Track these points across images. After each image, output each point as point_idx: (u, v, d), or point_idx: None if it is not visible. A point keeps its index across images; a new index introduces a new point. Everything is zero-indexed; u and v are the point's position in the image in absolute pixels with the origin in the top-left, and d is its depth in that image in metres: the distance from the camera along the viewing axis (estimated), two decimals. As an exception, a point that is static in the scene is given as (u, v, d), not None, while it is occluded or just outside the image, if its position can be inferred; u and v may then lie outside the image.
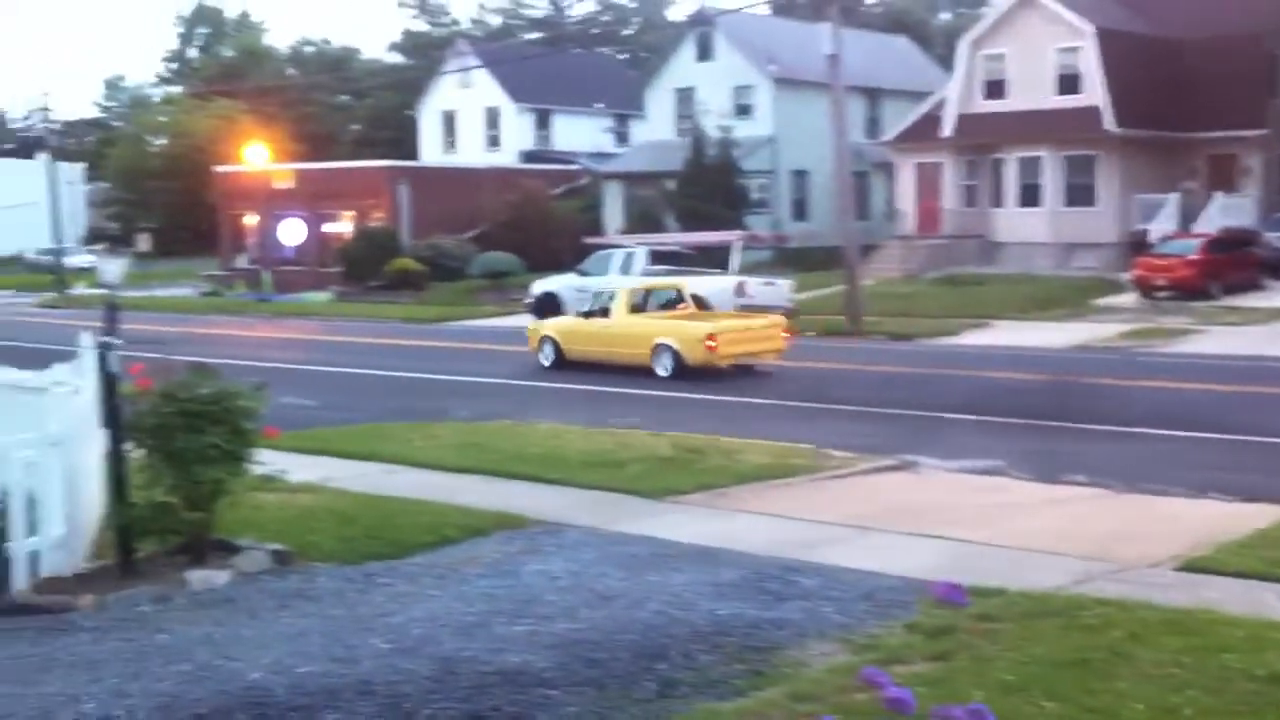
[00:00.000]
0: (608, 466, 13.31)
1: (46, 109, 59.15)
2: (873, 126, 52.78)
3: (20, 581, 9.25)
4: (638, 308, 24.73)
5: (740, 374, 22.83)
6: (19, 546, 9.32)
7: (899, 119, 49.40)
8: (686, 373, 22.36)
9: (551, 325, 25.82)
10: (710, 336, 22.41)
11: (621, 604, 8.35)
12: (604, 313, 24.62)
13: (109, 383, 9.73)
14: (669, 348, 22.80)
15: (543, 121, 66.61)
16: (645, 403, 19.56)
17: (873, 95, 53.47)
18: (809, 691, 6.61)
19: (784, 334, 23.61)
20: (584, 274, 34.60)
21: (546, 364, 24.86)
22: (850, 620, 7.92)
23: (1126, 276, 36.69)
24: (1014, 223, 43.81)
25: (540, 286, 35.64)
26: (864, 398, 19.66)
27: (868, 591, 8.57)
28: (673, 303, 25.39)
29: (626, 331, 23.84)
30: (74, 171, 75.27)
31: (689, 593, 8.55)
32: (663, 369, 22.77)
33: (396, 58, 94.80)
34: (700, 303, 27.05)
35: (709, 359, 22.42)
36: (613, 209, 52.89)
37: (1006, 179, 44.12)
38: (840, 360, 25.52)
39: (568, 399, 20.09)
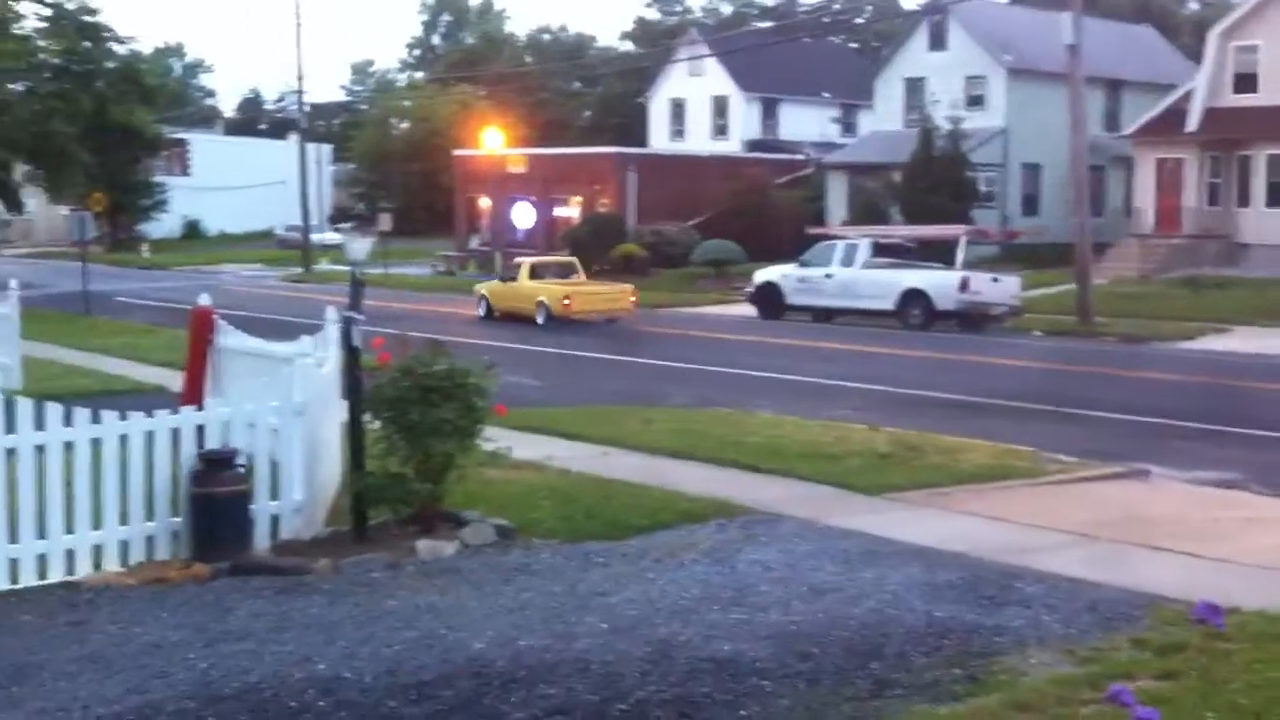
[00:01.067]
0: (824, 459, 13.23)
1: (301, 92, 61.75)
2: (1111, 119, 50.89)
3: (262, 542, 9.77)
4: (536, 275, 32.88)
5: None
6: (262, 509, 9.85)
7: (1140, 112, 47.45)
8: (555, 322, 30.32)
9: (485, 286, 34.82)
10: (566, 297, 31.16)
11: (836, 599, 8.32)
12: (514, 278, 33.11)
13: (351, 356, 10.16)
14: (543, 303, 31.33)
15: (769, 110, 66.45)
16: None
17: (1112, 87, 51.57)
18: (1028, 701, 6.47)
19: (632, 299, 32.03)
20: (805, 264, 34.42)
21: (481, 314, 33.39)
22: (1072, 631, 7.71)
23: (1385, 284, 34.54)
24: (1262, 223, 41.64)
25: (761, 276, 35.60)
26: (1090, 400, 19.00)
27: (1091, 602, 8.32)
28: (567, 273, 33.66)
29: (523, 291, 32.37)
30: (322, 152, 78.70)
31: (905, 592, 8.46)
32: (541, 318, 31.25)
33: (628, 46, 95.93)
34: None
35: (566, 312, 30.90)
36: (836, 200, 52.40)
37: (1255, 177, 41.97)
38: (1067, 361, 24.76)
39: (787, 390, 20.03)
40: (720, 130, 65.91)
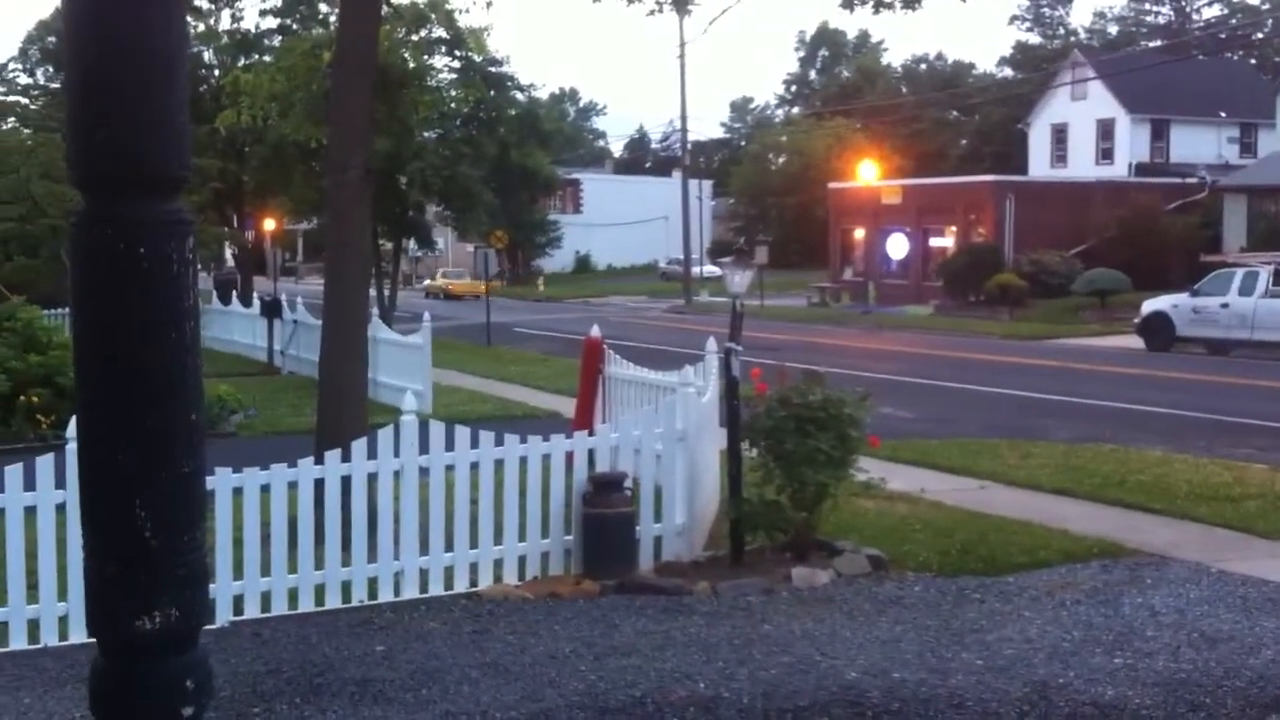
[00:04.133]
0: (1220, 500, 12.54)
1: (685, 131, 63.88)
2: None
3: (645, 562, 10.22)
4: (446, 277, 67.55)
5: None
6: (646, 530, 10.31)
7: None
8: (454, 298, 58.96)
9: (437, 282, 65.71)
10: (451, 284, 65.10)
11: (1231, 648, 7.90)
12: (459, 277, 63.37)
13: (731, 385, 10.49)
14: (445, 288, 65.09)
15: (1158, 132, 63.19)
16: None
17: None
18: None
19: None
20: (1199, 294, 32.57)
21: (441, 296, 59.04)
22: None
23: None
24: None
25: (1150, 306, 33.97)
26: None
27: None
28: (461, 276, 64.98)
29: (440, 284, 66.14)
30: (703, 188, 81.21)
31: (1309, 644, 7.94)
32: (442, 295, 62.82)
33: (1007, 72, 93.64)
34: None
35: (452, 291, 63.42)
36: (1234, 225, 49.16)
37: None
38: None
39: (1178, 426, 18.99)
40: (1105, 154, 63.24)
